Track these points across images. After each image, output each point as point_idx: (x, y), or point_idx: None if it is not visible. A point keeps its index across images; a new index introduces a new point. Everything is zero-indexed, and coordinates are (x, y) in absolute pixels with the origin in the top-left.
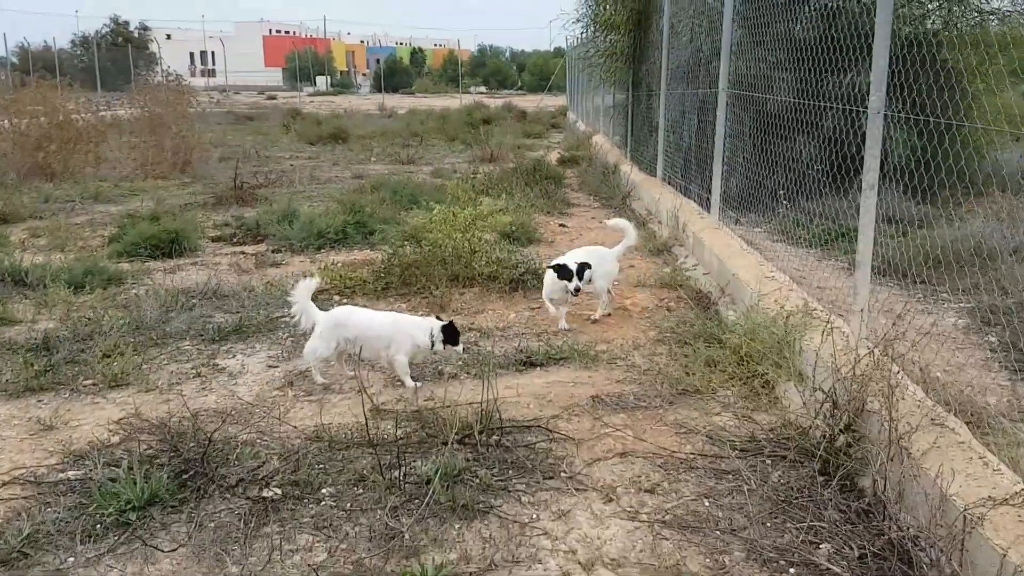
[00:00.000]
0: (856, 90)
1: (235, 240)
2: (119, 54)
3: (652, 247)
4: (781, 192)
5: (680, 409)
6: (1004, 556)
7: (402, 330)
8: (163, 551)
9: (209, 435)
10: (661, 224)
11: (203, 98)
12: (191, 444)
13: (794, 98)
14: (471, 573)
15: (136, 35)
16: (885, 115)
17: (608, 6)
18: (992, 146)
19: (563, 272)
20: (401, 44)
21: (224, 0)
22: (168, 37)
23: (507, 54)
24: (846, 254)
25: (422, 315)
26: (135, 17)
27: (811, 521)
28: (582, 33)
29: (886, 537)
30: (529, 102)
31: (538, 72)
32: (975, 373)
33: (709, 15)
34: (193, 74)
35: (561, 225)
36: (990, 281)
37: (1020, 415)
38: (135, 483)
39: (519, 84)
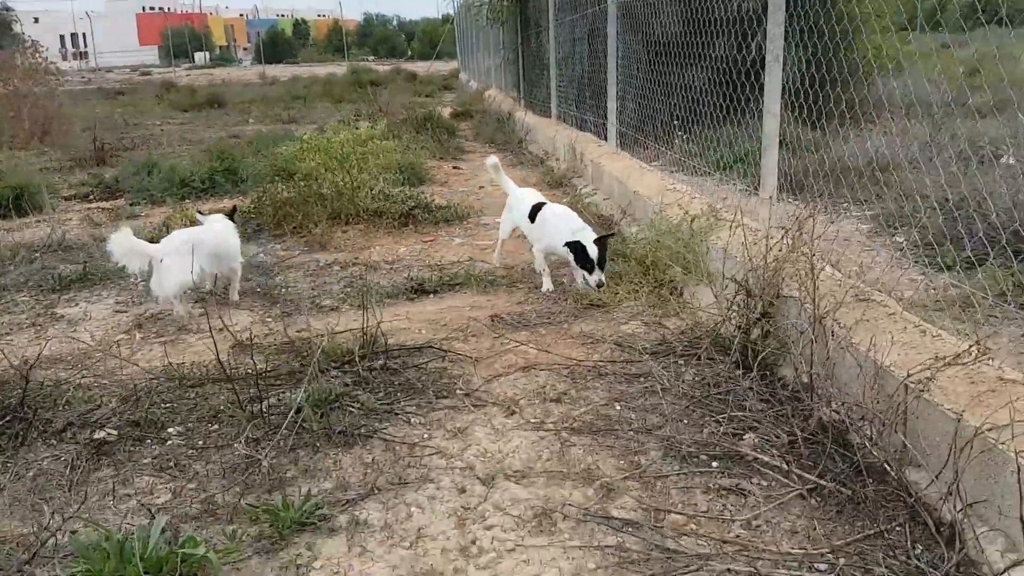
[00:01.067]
0: (745, 13)
1: (90, 198)
2: None
3: (550, 180)
4: (676, 123)
5: (586, 323)
6: (959, 420)
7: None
8: None
9: (26, 374)
10: (559, 161)
11: (73, 77)
12: (14, 392)
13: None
14: (348, 501)
15: None
16: None
17: None
18: (879, 74)
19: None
20: (283, 16)
21: None
22: (36, 20)
23: (395, 23)
24: (745, 177)
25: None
26: None
27: (732, 412)
28: None
29: (816, 419)
30: (420, 68)
31: (428, 40)
32: (886, 270)
33: None
34: (64, 57)
35: (455, 167)
36: (890, 190)
37: (938, 304)
38: None
39: (409, 53)
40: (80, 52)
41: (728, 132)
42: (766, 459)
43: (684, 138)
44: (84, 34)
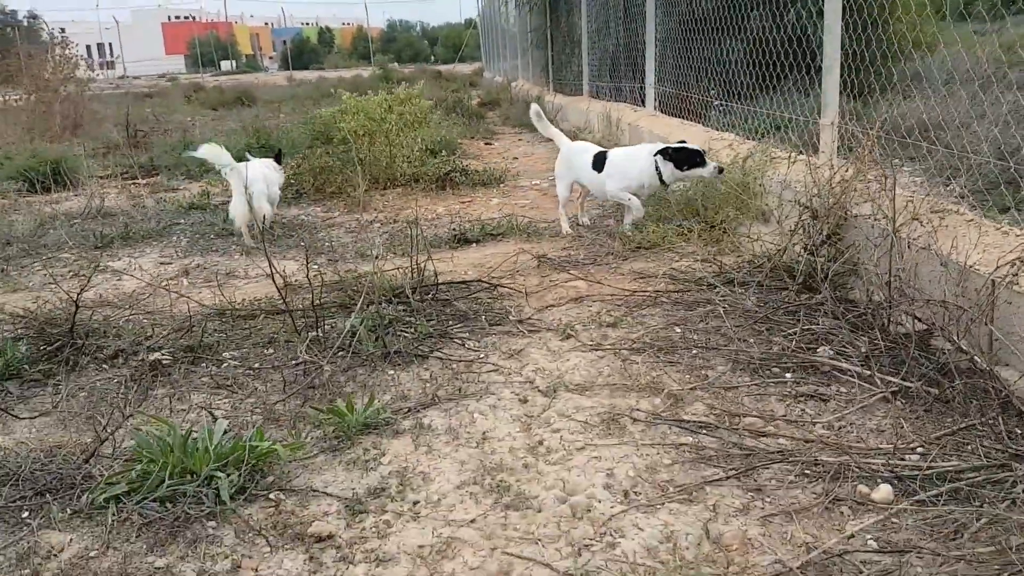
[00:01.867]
0: None
1: (127, 176)
2: (6, 42)
3: None
4: (712, 92)
5: (636, 263)
6: None
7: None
8: (19, 417)
9: (76, 299)
10: (592, 132)
11: (102, 84)
12: (62, 328)
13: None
14: (410, 409)
15: (26, 24)
16: None
17: None
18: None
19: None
20: (307, 24)
21: None
22: (63, 31)
23: (418, 29)
24: (784, 141)
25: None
26: (23, 7)
27: (803, 327)
28: None
29: (897, 331)
30: (444, 70)
31: (451, 45)
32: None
33: None
34: (92, 67)
35: (487, 143)
36: (941, 146)
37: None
38: None
39: (432, 57)
40: (108, 62)
41: (766, 102)
42: (846, 366)
43: (720, 108)
44: (111, 44)
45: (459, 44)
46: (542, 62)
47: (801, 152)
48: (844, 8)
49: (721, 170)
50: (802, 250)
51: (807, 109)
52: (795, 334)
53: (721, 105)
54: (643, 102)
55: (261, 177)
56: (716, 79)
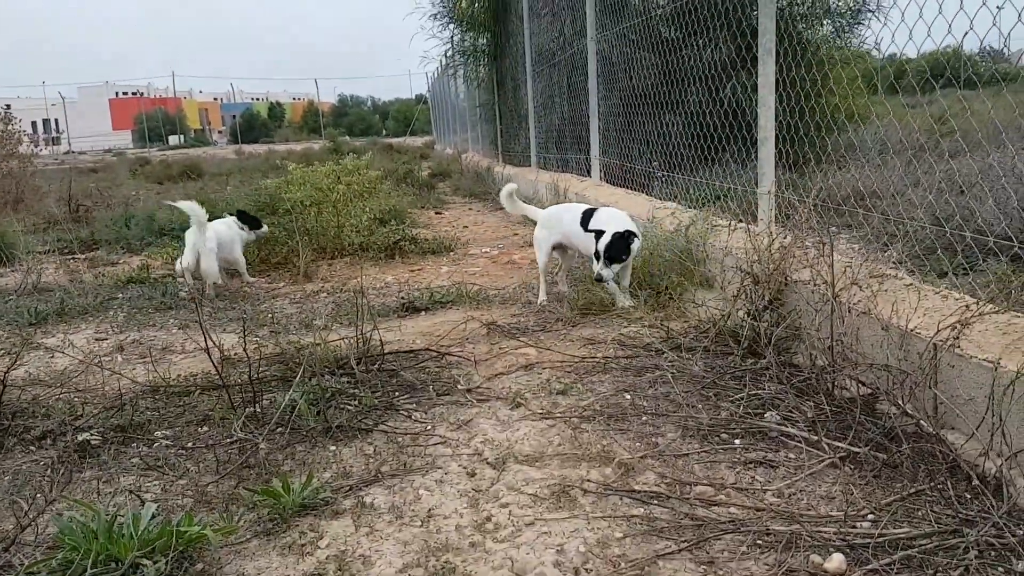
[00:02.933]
0: (714, 67)
1: (66, 251)
2: None
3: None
4: (655, 163)
5: (585, 328)
6: (996, 366)
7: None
8: None
9: (3, 378)
10: (540, 202)
11: (46, 160)
12: None
13: (656, 78)
14: (351, 487)
15: None
16: None
17: (465, 0)
18: (851, 123)
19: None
20: (258, 100)
21: (66, 68)
22: (8, 107)
23: (369, 103)
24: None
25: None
26: None
27: (750, 391)
28: (444, 55)
29: (842, 395)
30: (395, 143)
31: (401, 119)
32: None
33: None
34: (37, 143)
35: (437, 212)
36: (877, 213)
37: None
38: None
39: (384, 131)
40: (53, 137)
41: (707, 173)
42: (793, 432)
43: (663, 180)
44: (56, 119)
45: (410, 118)
46: (491, 135)
47: (741, 220)
48: (777, 82)
49: (598, 280)
50: (745, 315)
51: (745, 180)
52: (742, 399)
53: (663, 176)
54: (589, 173)
55: (214, 236)
56: (658, 151)
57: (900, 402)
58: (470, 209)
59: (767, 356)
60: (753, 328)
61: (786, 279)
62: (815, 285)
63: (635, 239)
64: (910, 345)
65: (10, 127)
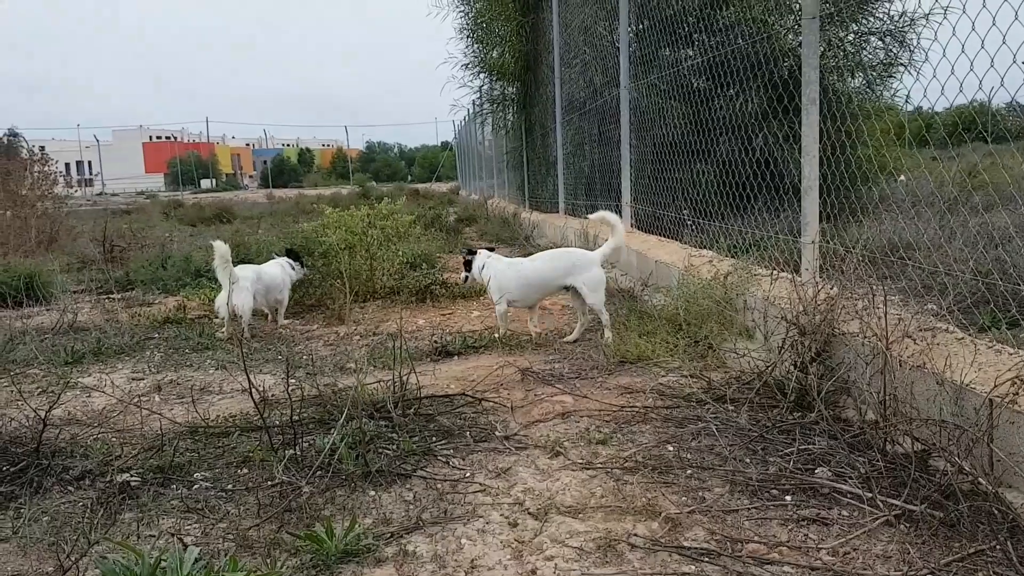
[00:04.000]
0: (746, 117)
1: (101, 291)
2: None
3: None
4: (685, 211)
5: (622, 376)
6: None
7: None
8: None
9: (44, 417)
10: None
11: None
12: (27, 447)
13: (687, 127)
14: (392, 534)
15: (6, 142)
16: (821, 17)
17: (496, 51)
18: (883, 175)
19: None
20: (288, 145)
21: (101, 111)
22: (42, 149)
23: (395, 150)
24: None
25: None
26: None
27: (799, 446)
28: (474, 100)
29: (895, 451)
30: (421, 189)
31: (427, 165)
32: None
33: (599, 44)
34: (70, 184)
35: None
36: (913, 266)
37: None
38: None
39: (409, 177)
40: (87, 179)
41: (737, 221)
42: (846, 488)
43: (693, 228)
44: (90, 162)
45: (435, 164)
46: (518, 181)
47: (783, 270)
48: (821, 132)
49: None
50: (792, 367)
51: (777, 228)
52: (792, 454)
53: (694, 224)
54: (620, 218)
55: (252, 276)
56: (688, 199)
57: (956, 459)
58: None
59: (816, 410)
60: (800, 380)
61: (833, 330)
62: (864, 337)
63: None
64: (965, 400)
65: (46, 168)
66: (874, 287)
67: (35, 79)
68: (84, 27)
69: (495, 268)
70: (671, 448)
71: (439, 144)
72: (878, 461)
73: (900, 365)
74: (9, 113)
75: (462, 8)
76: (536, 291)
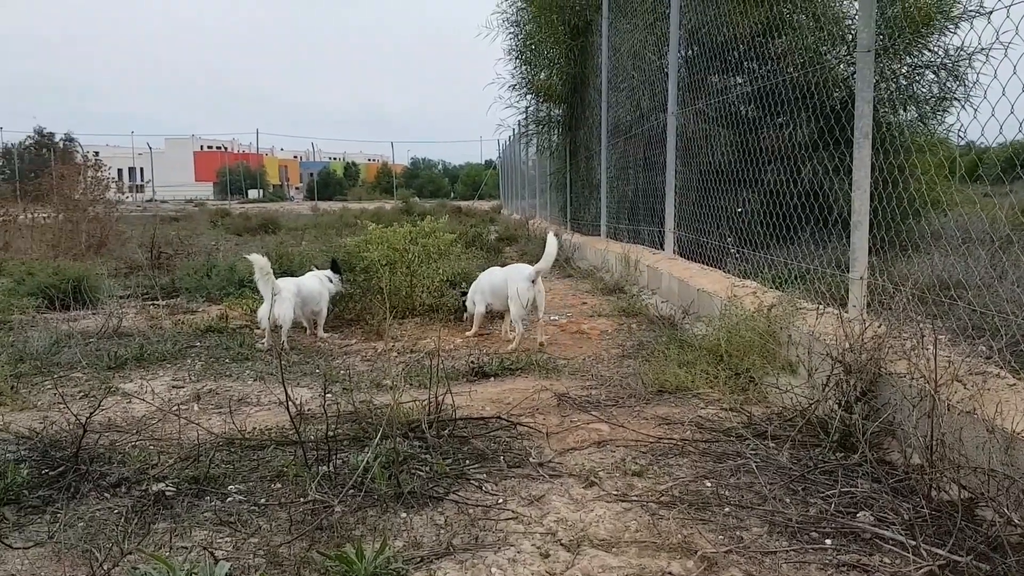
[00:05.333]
0: (793, 147)
1: (146, 297)
2: (42, 163)
3: (603, 288)
4: (729, 239)
5: (660, 407)
6: None
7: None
8: (13, 547)
9: (84, 423)
10: (610, 272)
11: (129, 206)
12: (66, 452)
13: (733, 155)
14: (422, 559)
15: (62, 146)
16: (876, 52)
17: (544, 73)
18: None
19: None
20: (335, 159)
21: (155, 119)
22: (96, 154)
23: (439, 167)
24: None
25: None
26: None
27: (842, 488)
28: (519, 121)
29: (940, 498)
30: (463, 206)
31: (470, 183)
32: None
33: (647, 69)
34: (121, 190)
35: None
36: (962, 304)
37: None
38: None
39: (452, 194)
40: (138, 185)
41: (781, 252)
42: (888, 535)
43: (736, 256)
44: (142, 168)
45: (478, 182)
46: (560, 203)
47: (830, 305)
48: (872, 166)
49: None
50: (836, 405)
51: (823, 261)
52: (834, 496)
53: (737, 252)
54: (662, 245)
55: (293, 288)
56: (733, 227)
57: (1005, 510)
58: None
59: (860, 451)
60: (844, 420)
61: (879, 370)
62: (912, 379)
63: None
64: (1016, 450)
65: (99, 174)
66: (923, 327)
67: (91, 85)
68: (145, 39)
69: (481, 276)
70: (709, 484)
71: (483, 162)
72: (923, 508)
73: (948, 409)
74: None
75: (512, 30)
76: (499, 298)
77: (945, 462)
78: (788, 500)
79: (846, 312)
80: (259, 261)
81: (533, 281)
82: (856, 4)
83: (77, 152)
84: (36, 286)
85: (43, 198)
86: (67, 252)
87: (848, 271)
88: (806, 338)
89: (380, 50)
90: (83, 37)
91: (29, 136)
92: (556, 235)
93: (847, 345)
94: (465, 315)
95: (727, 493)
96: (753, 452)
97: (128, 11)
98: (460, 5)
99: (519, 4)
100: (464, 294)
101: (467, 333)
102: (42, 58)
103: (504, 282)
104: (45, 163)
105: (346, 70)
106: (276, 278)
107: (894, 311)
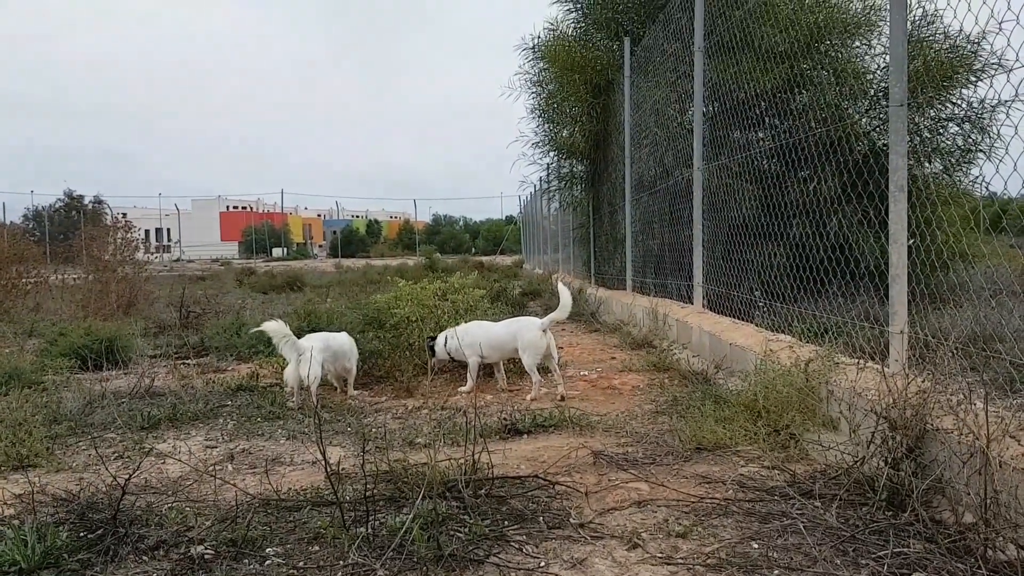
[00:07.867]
0: (819, 201)
1: (177, 356)
2: (72, 225)
3: (631, 342)
4: (757, 293)
5: (699, 465)
6: None
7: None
8: None
9: (123, 485)
10: (637, 326)
11: (156, 266)
12: (104, 514)
13: (759, 209)
14: None
15: (90, 208)
16: (908, 104)
17: (566, 131)
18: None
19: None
20: (357, 217)
21: (181, 182)
22: (124, 216)
23: (461, 223)
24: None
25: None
26: (91, 192)
27: (894, 549)
28: (542, 177)
29: (997, 558)
30: (485, 261)
31: (491, 238)
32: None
33: (669, 126)
34: (148, 250)
35: None
36: (998, 358)
37: None
38: (25, 544)
39: (473, 249)
40: (164, 245)
41: (809, 305)
42: None
43: (764, 310)
44: (169, 229)
45: (499, 237)
46: (584, 256)
47: (866, 359)
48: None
49: None
50: (882, 462)
51: (854, 314)
52: (886, 557)
53: (765, 306)
54: (690, 299)
55: (320, 344)
56: (761, 280)
57: None
58: (563, 329)
59: (911, 509)
60: (891, 477)
61: (926, 426)
62: (961, 434)
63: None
64: None
65: (128, 235)
66: (968, 381)
67: (121, 148)
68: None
69: (469, 329)
70: (756, 545)
71: (503, 218)
72: (979, 568)
73: (1001, 466)
74: (96, 180)
75: (534, 90)
76: (496, 350)
77: (1000, 520)
78: (839, 561)
79: (886, 366)
80: (272, 328)
81: (544, 331)
82: (877, 59)
83: (106, 214)
84: (69, 346)
85: (73, 259)
86: (97, 312)
87: (882, 324)
88: (848, 393)
89: (405, 115)
90: (115, 106)
91: (59, 199)
92: (566, 284)
93: (891, 400)
94: (431, 360)
95: (775, 555)
96: (799, 512)
97: (160, 87)
98: (483, 75)
99: (541, 65)
100: (432, 339)
101: (462, 389)
102: (74, 126)
103: (507, 336)
104: (75, 225)
105: (371, 134)
106: (309, 332)
107: (938, 365)
